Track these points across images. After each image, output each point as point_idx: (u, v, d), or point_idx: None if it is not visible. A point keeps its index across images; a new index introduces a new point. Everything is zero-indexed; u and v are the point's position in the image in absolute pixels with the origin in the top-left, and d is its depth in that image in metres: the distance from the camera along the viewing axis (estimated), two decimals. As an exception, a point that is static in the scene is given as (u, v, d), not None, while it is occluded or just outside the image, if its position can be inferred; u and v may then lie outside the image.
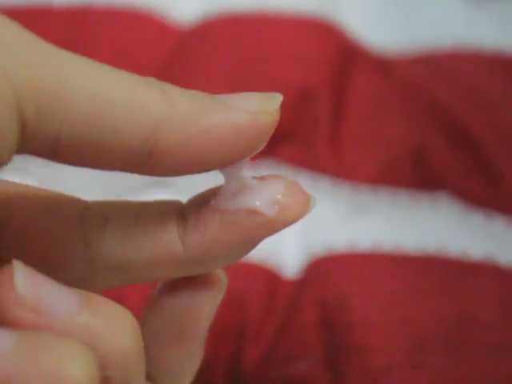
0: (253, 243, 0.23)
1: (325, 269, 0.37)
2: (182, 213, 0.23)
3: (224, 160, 0.22)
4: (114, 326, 0.20)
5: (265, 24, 0.47)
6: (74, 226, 0.24)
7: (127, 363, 0.20)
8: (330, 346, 0.35)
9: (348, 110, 0.44)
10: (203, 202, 0.23)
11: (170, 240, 0.23)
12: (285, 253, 0.39)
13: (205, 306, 0.24)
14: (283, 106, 0.44)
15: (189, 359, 0.25)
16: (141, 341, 0.21)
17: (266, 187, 0.23)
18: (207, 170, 0.22)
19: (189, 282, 0.24)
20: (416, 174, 0.43)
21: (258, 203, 0.22)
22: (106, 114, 0.20)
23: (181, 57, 0.46)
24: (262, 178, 0.23)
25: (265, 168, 0.43)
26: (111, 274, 0.24)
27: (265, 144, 0.22)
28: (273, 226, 0.22)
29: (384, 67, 0.46)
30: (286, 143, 0.44)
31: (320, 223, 0.40)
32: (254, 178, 0.23)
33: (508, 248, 0.40)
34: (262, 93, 0.22)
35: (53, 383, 0.19)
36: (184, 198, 0.24)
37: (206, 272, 0.24)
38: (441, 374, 0.34)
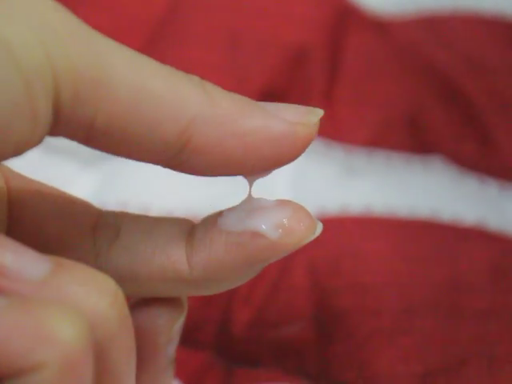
0: (256, 266, 0.23)
1: (316, 231, 0.37)
2: (192, 232, 0.23)
3: (254, 166, 0.22)
4: (90, 291, 0.20)
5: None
6: (85, 233, 0.24)
7: (107, 330, 0.20)
8: (319, 309, 0.35)
9: (343, 70, 0.44)
10: (213, 222, 0.23)
11: (177, 258, 0.23)
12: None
13: (163, 330, 0.24)
14: (278, 65, 0.44)
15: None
16: (125, 308, 0.21)
17: (274, 210, 0.23)
18: (235, 173, 0.22)
19: (151, 303, 0.24)
20: (410, 137, 0.43)
21: (263, 226, 0.22)
22: (144, 105, 0.20)
23: (177, 17, 0.45)
24: (271, 202, 0.23)
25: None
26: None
27: (299, 156, 0.22)
28: (276, 250, 0.22)
29: (381, 28, 0.45)
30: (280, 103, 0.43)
31: (312, 186, 0.40)
32: (265, 199, 0.23)
33: (500, 213, 0.40)
34: (304, 106, 0.22)
35: (41, 344, 0.19)
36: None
37: (210, 294, 0.24)
38: (429, 338, 0.34)
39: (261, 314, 0.35)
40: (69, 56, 0.19)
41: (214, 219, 0.23)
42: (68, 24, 0.20)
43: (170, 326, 0.24)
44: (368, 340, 0.34)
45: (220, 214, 0.23)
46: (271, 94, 0.43)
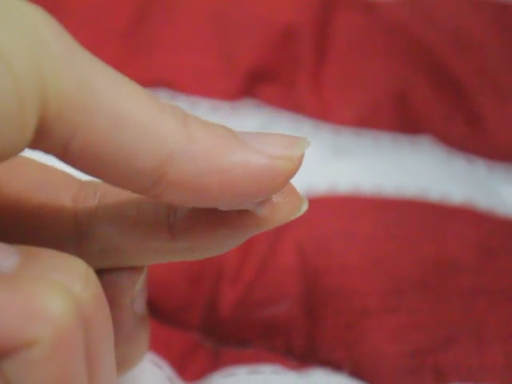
0: (241, 238, 0.23)
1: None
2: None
3: (232, 201, 0.21)
4: (61, 274, 0.20)
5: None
6: (66, 204, 0.24)
7: (83, 313, 0.20)
8: (307, 289, 0.35)
9: (331, 51, 0.44)
10: None
11: (160, 227, 0.23)
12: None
13: (125, 291, 0.24)
14: (265, 46, 0.44)
15: (129, 342, 0.25)
16: (97, 288, 0.21)
17: None
18: (212, 206, 0.22)
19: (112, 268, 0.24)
20: (399, 117, 0.43)
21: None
22: (122, 135, 0.20)
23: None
24: None
25: (245, 109, 0.42)
26: (99, 256, 0.24)
27: (280, 190, 0.22)
28: (262, 225, 0.22)
29: (369, 8, 0.45)
30: (268, 84, 0.43)
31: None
32: None
33: (488, 192, 0.40)
34: (290, 136, 0.22)
35: (32, 320, 0.19)
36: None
37: (192, 260, 0.24)
38: (417, 317, 0.34)
39: (248, 294, 0.35)
40: (59, 74, 0.19)
41: None
42: (61, 43, 0.20)
43: (131, 286, 0.24)
44: (356, 320, 0.34)
45: None
46: (259, 74, 0.43)
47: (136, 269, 0.24)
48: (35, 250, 0.20)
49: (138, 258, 0.24)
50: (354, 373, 0.33)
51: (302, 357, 0.34)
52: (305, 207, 0.23)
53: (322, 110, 0.43)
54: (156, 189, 0.21)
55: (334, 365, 0.34)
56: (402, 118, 0.43)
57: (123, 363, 0.26)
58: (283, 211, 0.22)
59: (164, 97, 0.42)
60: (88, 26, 0.44)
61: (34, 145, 0.20)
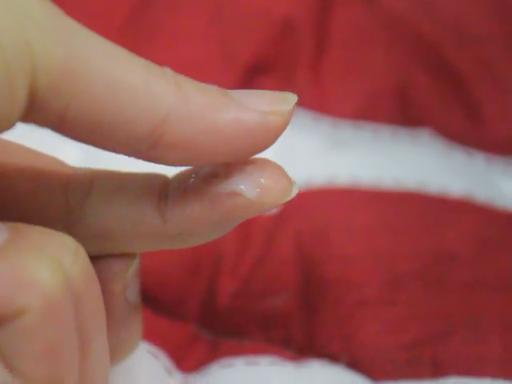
0: (232, 223, 0.23)
1: (302, 203, 0.37)
2: (166, 187, 0.23)
3: (227, 158, 0.22)
4: (51, 248, 0.20)
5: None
6: (57, 190, 0.24)
7: (73, 288, 0.20)
8: (305, 281, 0.35)
9: (330, 43, 0.44)
10: (188, 178, 0.23)
11: (150, 213, 0.23)
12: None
13: (117, 277, 0.25)
14: (264, 38, 0.43)
15: (122, 331, 0.25)
16: (87, 265, 0.21)
17: (251, 170, 0.23)
18: (207, 164, 0.22)
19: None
20: (398, 109, 0.43)
21: (241, 186, 0.22)
22: (117, 99, 0.20)
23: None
24: (249, 161, 0.23)
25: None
26: (90, 242, 0.24)
27: (272, 144, 0.22)
28: (252, 208, 0.22)
29: (368, 0, 0.45)
30: (267, 76, 0.43)
31: (299, 157, 0.40)
32: None
33: (487, 185, 0.40)
34: (276, 92, 0.22)
35: (22, 289, 0.19)
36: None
37: (184, 247, 0.24)
38: (415, 309, 0.34)
39: (246, 285, 0.35)
40: (47, 45, 0.19)
41: (189, 174, 0.23)
42: (50, 15, 0.20)
43: (123, 273, 0.24)
44: (353, 312, 0.34)
45: (196, 169, 0.23)
46: (257, 67, 0.43)
47: (128, 255, 0.24)
48: (24, 227, 0.20)
49: (129, 244, 0.24)
50: (352, 364, 0.33)
51: (300, 348, 0.34)
52: (295, 191, 0.23)
53: (321, 103, 0.43)
54: (153, 151, 0.21)
55: (332, 356, 0.34)
56: (401, 111, 0.42)
57: (116, 352, 0.26)
58: (273, 194, 0.22)
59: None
60: (86, 19, 0.43)
61: (30, 117, 0.20)
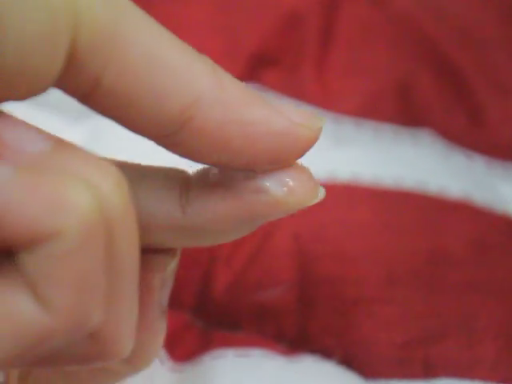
0: (254, 222, 0.22)
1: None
2: (188, 180, 0.23)
3: (251, 158, 0.21)
4: (93, 169, 0.19)
5: None
6: None
7: (111, 211, 0.19)
8: (301, 276, 0.35)
9: (336, 38, 0.44)
10: (211, 172, 0.23)
11: (171, 204, 0.22)
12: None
13: (157, 269, 0.24)
14: (270, 30, 0.43)
15: (147, 332, 0.24)
16: (128, 193, 0.19)
17: (278, 170, 0.22)
18: (228, 163, 0.21)
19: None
20: (400, 109, 0.42)
21: (267, 183, 0.22)
22: (154, 73, 0.20)
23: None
24: None
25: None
26: None
27: (298, 158, 0.22)
28: (277, 207, 0.22)
29: (376, -3, 0.45)
30: (271, 69, 0.43)
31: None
32: None
33: (486, 189, 0.40)
34: (308, 110, 0.22)
35: (58, 211, 0.18)
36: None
37: (205, 246, 0.24)
38: (410, 308, 0.34)
39: (242, 277, 0.35)
40: (92, 5, 0.19)
41: (212, 169, 0.23)
42: None
43: (163, 266, 0.24)
44: (348, 308, 0.34)
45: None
46: (262, 59, 0.43)
47: (169, 252, 0.24)
48: (69, 144, 0.19)
49: (148, 236, 0.22)
50: (344, 361, 0.33)
51: (293, 342, 0.34)
52: (322, 194, 0.22)
53: (324, 98, 0.42)
54: (178, 135, 0.20)
55: (324, 352, 0.34)
56: (403, 111, 0.42)
57: (137, 359, 0.24)
58: (300, 194, 0.22)
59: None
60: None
61: (64, 80, 0.20)
